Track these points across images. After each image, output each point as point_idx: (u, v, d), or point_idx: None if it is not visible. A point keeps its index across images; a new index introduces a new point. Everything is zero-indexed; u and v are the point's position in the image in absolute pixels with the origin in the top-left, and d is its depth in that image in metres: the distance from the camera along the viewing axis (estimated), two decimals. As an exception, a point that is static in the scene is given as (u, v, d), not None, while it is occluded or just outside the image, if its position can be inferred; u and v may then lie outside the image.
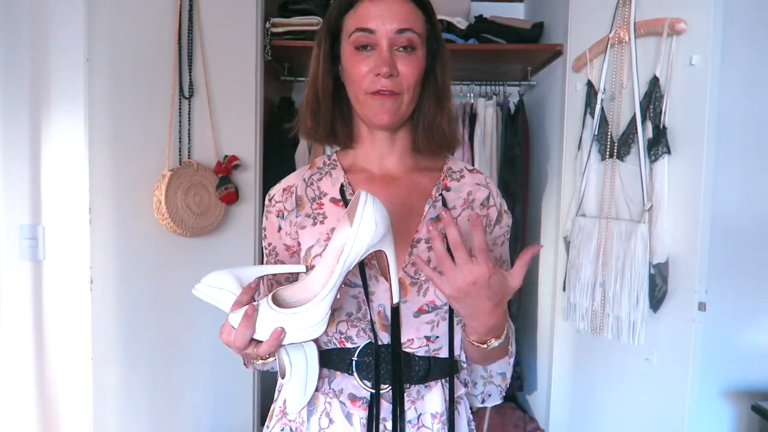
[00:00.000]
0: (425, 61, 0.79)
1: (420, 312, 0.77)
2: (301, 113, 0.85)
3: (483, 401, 0.89)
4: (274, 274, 0.84)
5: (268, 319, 0.63)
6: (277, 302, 0.65)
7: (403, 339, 0.77)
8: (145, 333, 1.57)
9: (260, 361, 0.77)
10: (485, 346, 0.73)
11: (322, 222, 0.80)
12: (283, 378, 0.75)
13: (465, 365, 0.84)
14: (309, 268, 0.77)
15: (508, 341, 0.77)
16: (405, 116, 0.80)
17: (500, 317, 0.71)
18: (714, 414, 1.74)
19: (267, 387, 1.82)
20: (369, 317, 0.77)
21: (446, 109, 0.83)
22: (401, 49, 0.76)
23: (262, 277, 0.77)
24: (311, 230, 0.80)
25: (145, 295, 1.56)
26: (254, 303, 0.64)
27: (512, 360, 0.85)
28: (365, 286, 0.76)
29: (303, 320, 0.63)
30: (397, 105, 0.78)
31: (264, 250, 0.88)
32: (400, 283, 0.76)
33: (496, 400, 0.90)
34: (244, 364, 0.86)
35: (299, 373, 0.74)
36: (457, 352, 0.81)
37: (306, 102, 0.84)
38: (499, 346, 0.74)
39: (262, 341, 0.63)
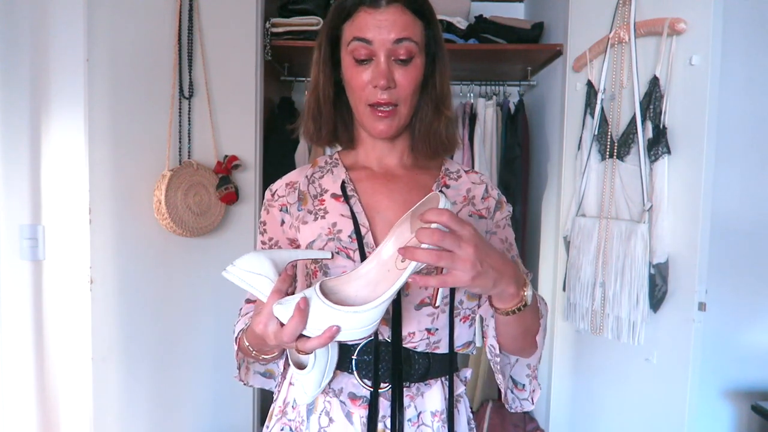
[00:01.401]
0: (424, 68, 0.79)
1: (421, 304, 0.77)
2: (303, 116, 0.86)
3: (533, 401, 0.84)
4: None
5: (323, 315, 0.59)
6: (324, 295, 0.62)
7: (404, 333, 0.77)
8: (145, 333, 1.57)
9: (263, 362, 0.75)
10: (523, 303, 0.67)
11: (323, 217, 0.81)
12: (301, 369, 0.73)
13: (502, 360, 0.79)
14: (334, 255, 0.77)
15: (535, 297, 0.73)
16: (403, 125, 0.82)
17: (509, 260, 0.67)
18: (714, 414, 1.74)
19: (267, 387, 1.82)
20: None
21: (444, 116, 0.83)
22: (399, 61, 0.76)
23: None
24: (312, 225, 0.81)
25: (145, 295, 1.56)
26: (303, 295, 0.61)
27: (546, 319, 0.79)
28: None
29: (360, 319, 0.60)
30: (396, 118, 0.79)
31: (262, 246, 0.88)
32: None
33: (538, 390, 0.85)
34: (238, 367, 0.86)
35: (321, 365, 0.73)
36: (489, 356, 0.79)
37: (307, 106, 0.85)
38: (532, 302, 0.70)
39: (309, 337, 0.60)
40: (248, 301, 0.89)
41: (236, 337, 0.83)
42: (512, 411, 0.87)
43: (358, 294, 0.63)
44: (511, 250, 0.88)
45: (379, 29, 0.74)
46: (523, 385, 0.84)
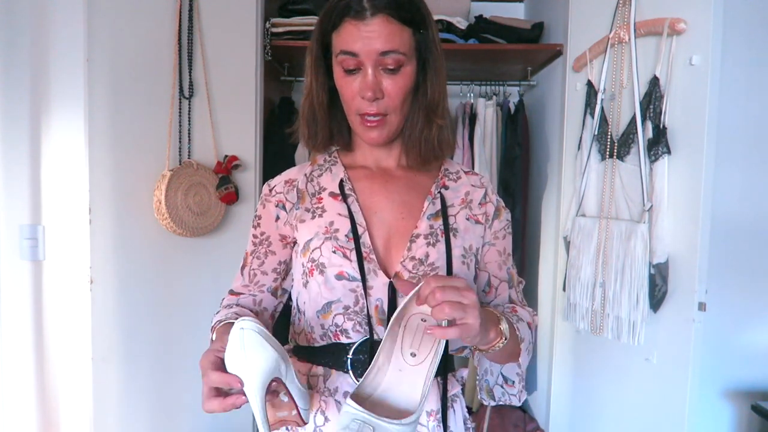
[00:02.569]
0: (414, 75, 0.78)
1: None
2: (299, 121, 0.86)
3: (520, 399, 0.88)
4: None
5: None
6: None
7: None
8: (145, 333, 1.57)
9: None
10: (504, 338, 0.71)
11: (321, 215, 0.81)
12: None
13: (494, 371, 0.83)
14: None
15: (510, 325, 0.75)
16: (396, 132, 0.82)
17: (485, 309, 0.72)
18: (714, 414, 1.74)
19: (267, 387, 1.82)
20: (366, 311, 0.77)
21: (435, 125, 0.81)
22: (387, 70, 0.76)
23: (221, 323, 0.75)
24: (310, 224, 0.81)
25: (145, 295, 1.56)
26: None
27: (526, 344, 0.81)
28: (363, 279, 0.77)
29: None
30: (386, 126, 0.79)
31: (254, 239, 0.87)
32: (398, 276, 0.77)
33: (524, 393, 0.89)
34: None
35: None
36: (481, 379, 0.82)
37: (302, 112, 0.85)
38: (511, 331, 0.74)
39: None
40: (231, 292, 0.87)
41: (212, 327, 0.82)
42: (498, 403, 0.88)
43: (389, 396, 0.67)
44: (508, 262, 0.89)
45: (365, 41, 0.73)
46: (513, 381, 0.85)
